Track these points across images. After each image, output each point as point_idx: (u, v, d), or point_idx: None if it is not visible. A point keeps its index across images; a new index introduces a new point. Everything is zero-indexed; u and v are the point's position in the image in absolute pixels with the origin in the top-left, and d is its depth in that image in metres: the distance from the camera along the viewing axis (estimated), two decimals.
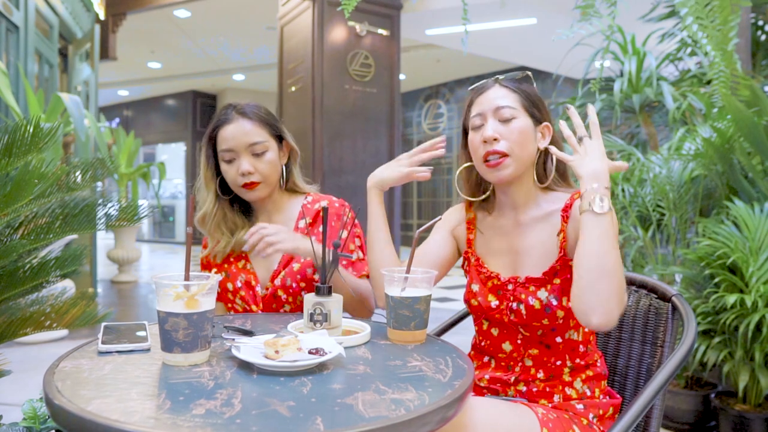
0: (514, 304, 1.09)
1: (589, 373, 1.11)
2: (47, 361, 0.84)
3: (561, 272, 1.06)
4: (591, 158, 0.97)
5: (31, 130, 1.17)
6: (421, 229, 1.13)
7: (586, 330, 1.12)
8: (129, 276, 6.47)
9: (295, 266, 1.36)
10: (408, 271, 1.04)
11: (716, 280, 2.10)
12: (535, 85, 1.16)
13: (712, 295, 2.08)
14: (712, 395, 2.26)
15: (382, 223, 1.23)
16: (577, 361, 1.10)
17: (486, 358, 1.18)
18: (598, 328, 0.90)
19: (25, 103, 3.47)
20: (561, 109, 3.66)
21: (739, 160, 2.30)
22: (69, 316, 1.41)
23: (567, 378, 1.10)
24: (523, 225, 1.14)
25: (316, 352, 0.82)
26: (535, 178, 1.14)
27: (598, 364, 1.13)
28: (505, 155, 1.07)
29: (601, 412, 1.09)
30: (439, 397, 0.70)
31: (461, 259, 1.25)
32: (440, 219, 1.25)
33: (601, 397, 1.11)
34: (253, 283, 1.38)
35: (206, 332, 0.83)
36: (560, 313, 1.05)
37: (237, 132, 1.33)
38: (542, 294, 1.06)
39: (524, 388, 1.11)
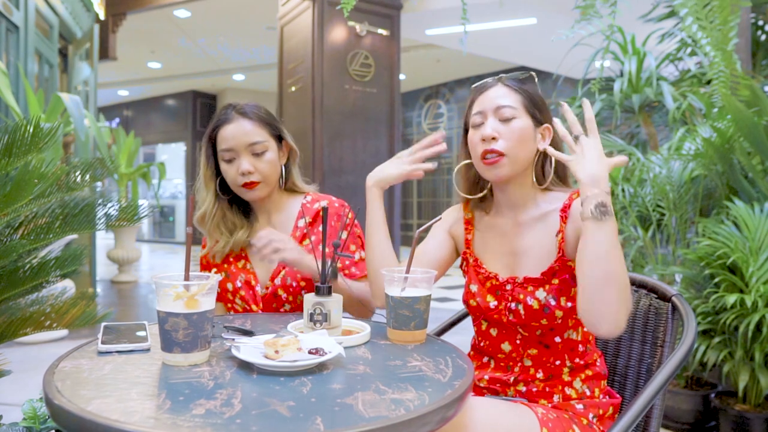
0: (513, 305, 1.09)
1: (589, 372, 1.11)
2: (47, 361, 0.84)
3: (559, 272, 1.06)
4: (589, 160, 0.94)
5: (31, 130, 1.17)
6: (421, 229, 1.13)
7: (585, 330, 1.12)
8: (129, 276, 6.47)
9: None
10: (408, 271, 1.04)
11: (716, 280, 2.10)
12: (538, 85, 1.16)
13: (712, 295, 2.08)
14: (712, 395, 2.26)
15: (381, 222, 1.23)
16: (577, 360, 1.10)
17: (485, 359, 1.18)
18: (607, 336, 0.90)
19: (25, 103, 3.47)
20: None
21: (739, 160, 2.30)
22: (69, 316, 1.41)
23: (566, 378, 1.10)
24: (522, 225, 1.14)
25: (316, 352, 0.82)
26: (534, 180, 1.14)
27: (598, 364, 1.13)
28: (501, 155, 1.07)
29: (600, 411, 1.09)
30: (439, 397, 0.70)
31: (460, 259, 1.25)
32: (440, 219, 1.25)
33: (601, 396, 1.11)
34: (253, 282, 1.38)
35: (206, 332, 0.83)
36: (559, 313, 1.05)
37: (237, 132, 1.33)
38: (540, 294, 1.06)
39: (524, 388, 1.11)
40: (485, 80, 1.16)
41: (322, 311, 0.99)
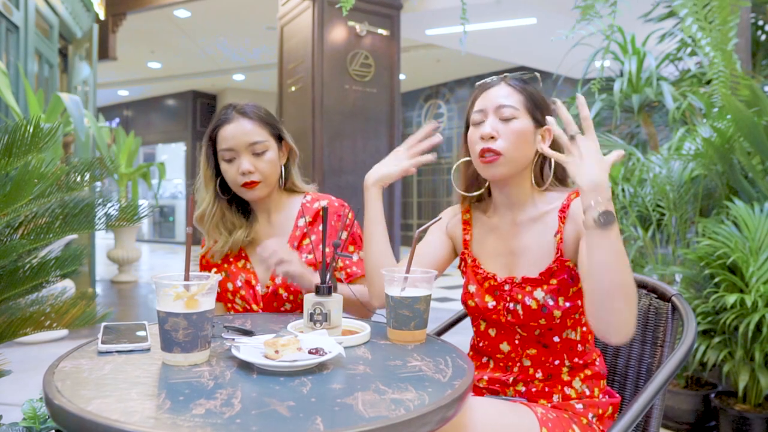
0: (511, 305, 1.09)
1: (588, 372, 1.11)
2: (47, 361, 0.84)
3: (558, 273, 1.06)
4: (588, 164, 0.90)
5: (31, 130, 1.17)
6: (420, 229, 1.13)
7: (584, 329, 1.12)
8: (129, 276, 6.47)
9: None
10: (408, 270, 1.04)
11: (716, 280, 2.10)
12: (542, 86, 1.16)
13: (712, 295, 2.08)
14: (712, 395, 2.26)
15: (381, 221, 1.23)
16: (576, 360, 1.10)
17: (484, 359, 1.18)
18: (618, 343, 0.91)
19: (25, 103, 3.47)
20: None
21: (739, 160, 2.30)
22: (69, 316, 1.41)
23: (566, 377, 1.10)
24: (520, 225, 1.13)
25: (315, 352, 0.82)
26: (533, 181, 1.13)
27: (597, 363, 1.13)
28: (499, 154, 1.07)
29: (600, 411, 1.09)
30: (439, 397, 0.70)
31: (458, 259, 1.25)
32: (440, 219, 1.25)
33: (601, 396, 1.11)
34: (253, 282, 1.38)
35: (206, 332, 0.84)
36: (557, 313, 1.05)
37: (237, 131, 1.33)
38: (539, 294, 1.06)
39: (523, 389, 1.11)
40: (489, 78, 1.15)
41: (322, 311, 0.99)
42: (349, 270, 1.40)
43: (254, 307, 1.37)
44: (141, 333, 0.97)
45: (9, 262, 1.30)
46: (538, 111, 1.11)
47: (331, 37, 4.68)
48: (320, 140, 4.62)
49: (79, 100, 3.50)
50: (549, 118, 0.97)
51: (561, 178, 1.16)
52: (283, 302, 1.37)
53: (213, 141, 1.38)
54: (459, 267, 1.24)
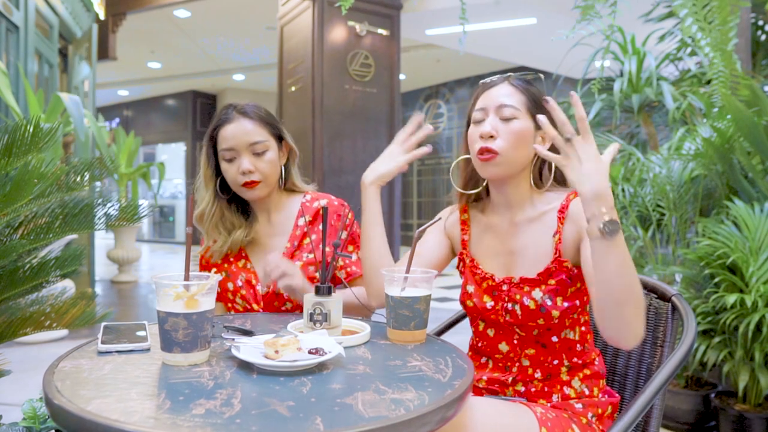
0: (509, 305, 1.09)
1: (587, 372, 1.11)
2: (47, 361, 0.84)
3: (556, 273, 1.06)
4: (588, 172, 0.86)
5: (31, 130, 1.17)
6: (420, 229, 1.13)
7: (583, 329, 1.12)
8: (129, 276, 6.47)
9: (298, 264, 1.36)
10: (408, 270, 1.04)
11: (716, 280, 2.10)
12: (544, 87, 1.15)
13: (712, 295, 2.08)
14: (712, 395, 2.26)
15: (379, 221, 1.23)
16: (575, 360, 1.10)
17: (483, 359, 1.18)
18: (628, 348, 0.91)
19: (25, 103, 3.47)
20: (562, 108, 3.65)
21: (739, 160, 2.30)
22: (69, 316, 1.41)
23: (565, 377, 1.10)
24: (518, 225, 1.13)
25: (315, 351, 0.82)
26: (532, 183, 1.13)
27: (596, 363, 1.13)
28: (496, 153, 1.07)
29: (600, 411, 1.09)
30: (439, 397, 0.70)
31: (456, 260, 1.25)
32: (440, 219, 1.25)
33: (600, 396, 1.11)
34: (254, 281, 1.38)
35: (206, 332, 0.84)
36: (555, 314, 1.05)
37: (238, 131, 1.34)
38: (537, 294, 1.06)
39: (522, 389, 1.11)
40: (494, 77, 1.15)
41: (322, 311, 0.99)
42: (348, 269, 1.41)
43: (255, 306, 1.37)
44: (141, 333, 0.97)
45: (9, 262, 1.30)
46: (540, 112, 1.10)
47: (331, 37, 4.68)
48: (320, 140, 4.62)
49: (79, 100, 3.50)
50: (541, 118, 0.90)
51: (561, 180, 1.15)
52: (284, 302, 1.37)
53: (213, 141, 1.39)
54: (457, 267, 1.24)
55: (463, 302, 1.18)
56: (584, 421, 1.06)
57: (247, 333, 0.99)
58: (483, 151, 1.07)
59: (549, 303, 1.05)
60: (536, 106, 1.10)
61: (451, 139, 10.38)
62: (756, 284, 1.98)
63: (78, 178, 1.31)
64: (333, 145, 4.69)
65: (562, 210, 1.08)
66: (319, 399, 0.69)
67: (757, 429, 2.06)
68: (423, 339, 1.01)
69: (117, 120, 12.34)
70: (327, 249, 1.26)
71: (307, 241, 1.39)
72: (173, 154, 12.59)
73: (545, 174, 1.15)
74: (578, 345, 1.11)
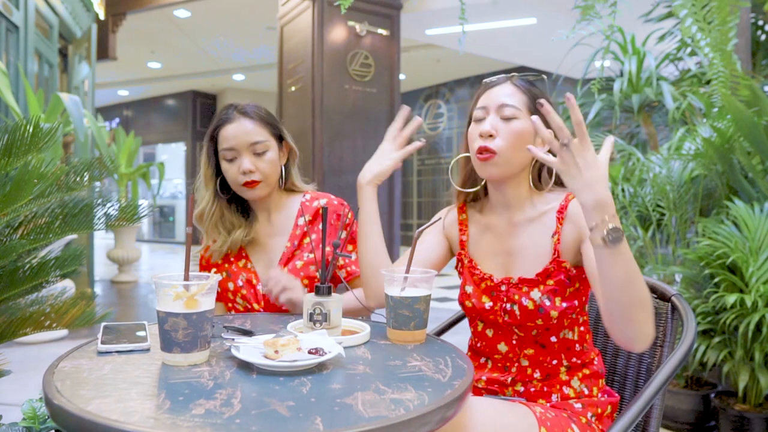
0: (508, 305, 1.09)
1: (586, 371, 1.11)
2: (47, 361, 0.84)
3: (554, 274, 1.06)
4: (587, 180, 0.84)
5: (31, 130, 1.17)
6: (420, 229, 1.13)
7: (582, 329, 1.12)
8: (129, 276, 6.47)
9: (298, 263, 1.37)
10: (407, 270, 1.04)
11: (716, 280, 2.10)
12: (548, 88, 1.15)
13: (712, 295, 2.08)
14: (712, 395, 2.26)
15: (376, 220, 1.23)
16: (574, 360, 1.10)
17: (482, 359, 1.18)
18: (641, 350, 0.90)
19: (25, 103, 3.47)
20: (561, 108, 3.66)
21: (739, 160, 2.30)
22: (69, 316, 1.41)
23: (564, 377, 1.10)
24: (517, 225, 1.13)
25: (315, 352, 0.82)
26: (531, 184, 1.13)
27: (595, 363, 1.13)
28: (494, 153, 1.07)
29: (599, 410, 1.09)
30: (439, 397, 0.70)
31: (455, 260, 1.25)
32: (440, 219, 1.24)
33: (599, 395, 1.11)
34: (254, 281, 1.38)
35: (206, 332, 0.84)
36: (554, 314, 1.05)
37: (238, 131, 1.34)
38: (535, 294, 1.06)
39: (522, 389, 1.11)
40: (497, 77, 1.15)
41: (321, 311, 0.99)
42: (348, 269, 1.41)
43: (255, 306, 1.37)
44: (141, 333, 0.97)
45: (9, 262, 1.30)
46: (541, 113, 1.10)
47: (331, 37, 4.68)
48: (320, 140, 4.62)
49: (79, 100, 3.50)
50: (534, 119, 0.87)
51: (560, 182, 1.14)
52: None
53: (214, 140, 1.39)
54: (456, 268, 1.23)
55: (461, 303, 1.18)
56: (584, 420, 1.06)
57: (247, 333, 0.99)
58: (482, 150, 1.07)
59: (548, 303, 1.05)
60: (538, 108, 1.09)
61: (451, 139, 10.38)
62: (756, 284, 1.98)
63: (78, 178, 1.31)
64: (333, 145, 4.69)
65: (561, 210, 1.08)
66: (318, 399, 0.69)
67: (757, 429, 2.06)
68: (423, 339, 1.01)
69: (117, 120, 12.34)
70: (327, 249, 1.27)
71: (307, 240, 1.39)
72: (173, 154, 12.59)
73: (544, 176, 1.14)
74: (577, 345, 1.11)
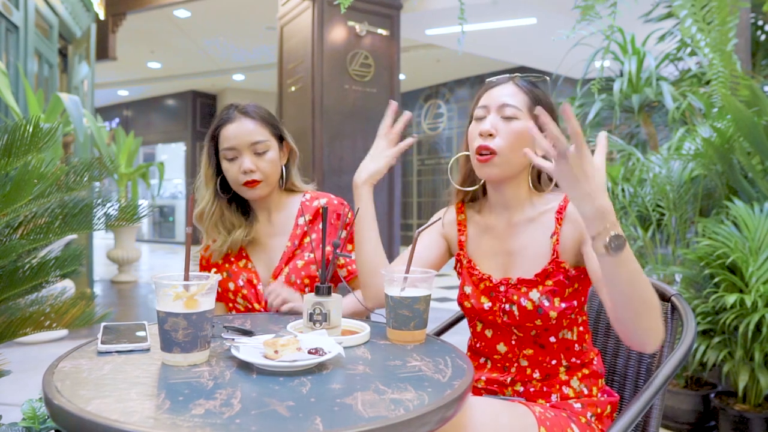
0: (507, 306, 1.09)
1: (586, 371, 1.11)
2: (47, 361, 0.84)
3: (553, 274, 1.06)
4: (586, 190, 0.82)
5: (31, 130, 1.17)
6: (420, 229, 1.12)
7: (581, 329, 1.12)
8: (129, 276, 6.47)
9: (299, 263, 1.37)
10: (407, 271, 1.04)
11: (716, 280, 2.10)
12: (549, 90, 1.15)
13: (712, 295, 2.08)
14: (712, 395, 2.27)
15: (373, 220, 1.23)
16: (573, 360, 1.10)
17: (482, 360, 1.18)
18: (653, 351, 0.91)
19: (24, 103, 3.47)
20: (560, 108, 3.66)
21: (738, 160, 2.30)
22: (68, 316, 1.41)
23: (563, 377, 1.10)
24: (515, 225, 1.13)
25: (315, 352, 0.82)
26: (530, 185, 1.13)
27: (595, 363, 1.13)
28: (494, 153, 1.07)
29: (599, 410, 1.09)
30: (439, 397, 0.70)
31: (454, 260, 1.25)
32: (440, 219, 1.24)
33: (599, 395, 1.11)
34: (255, 281, 1.39)
35: (206, 332, 0.84)
36: (553, 314, 1.05)
37: (240, 131, 1.34)
38: (534, 295, 1.06)
39: (521, 389, 1.11)
40: (500, 76, 1.15)
41: (321, 311, 0.99)
42: (349, 268, 1.41)
43: (256, 306, 1.38)
44: (141, 333, 0.97)
45: (9, 262, 1.30)
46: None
47: (330, 37, 4.68)
48: (320, 140, 4.62)
49: (79, 101, 3.50)
50: (531, 126, 0.86)
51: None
52: None
53: (215, 140, 1.39)
54: (455, 268, 1.23)
55: (460, 303, 1.18)
56: (583, 420, 1.06)
57: (247, 333, 0.99)
58: (481, 149, 1.07)
59: (546, 304, 1.05)
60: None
61: (451, 139, 10.38)
62: (756, 284, 1.98)
63: (78, 178, 1.31)
64: (333, 145, 4.69)
65: (560, 211, 1.08)
66: (318, 399, 0.69)
67: (756, 429, 2.06)
68: (423, 339, 1.01)
69: (117, 120, 12.34)
70: (327, 248, 1.27)
71: (307, 240, 1.39)
72: (173, 154, 12.59)
73: (544, 178, 1.14)
74: (576, 345, 1.11)
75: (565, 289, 1.06)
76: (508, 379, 1.12)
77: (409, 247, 1.11)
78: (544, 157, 0.88)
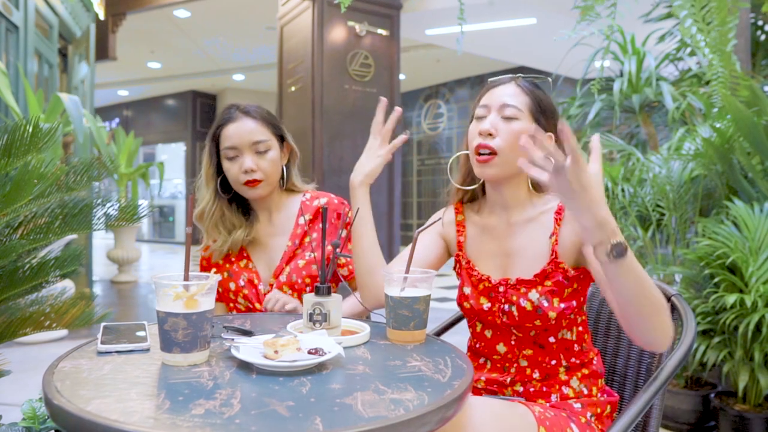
0: (506, 306, 1.09)
1: (585, 371, 1.11)
2: (47, 361, 0.84)
3: (552, 274, 1.06)
4: (584, 203, 0.81)
5: (31, 130, 1.17)
6: (420, 229, 1.12)
7: (580, 329, 1.12)
8: (129, 276, 6.47)
9: (300, 263, 1.37)
10: (407, 271, 1.04)
11: (716, 280, 2.10)
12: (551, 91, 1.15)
13: (712, 295, 2.08)
14: (712, 395, 2.27)
15: (370, 221, 1.23)
16: (572, 360, 1.10)
17: (482, 360, 1.18)
18: (664, 349, 0.92)
19: (24, 103, 3.47)
20: (561, 108, 3.66)
21: (738, 160, 2.30)
22: (68, 316, 1.41)
23: (563, 377, 1.10)
24: (514, 226, 1.13)
25: (315, 352, 0.82)
26: (530, 186, 1.13)
27: (594, 362, 1.13)
28: (493, 153, 1.07)
29: (599, 410, 1.09)
30: (439, 397, 0.70)
31: (453, 261, 1.25)
32: (440, 219, 1.24)
33: (599, 395, 1.11)
34: (256, 281, 1.39)
35: (205, 332, 0.84)
36: (552, 315, 1.05)
37: (241, 130, 1.34)
38: (533, 295, 1.06)
39: (521, 389, 1.11)
40: (502, 77, 1.15)
41: (321, 311, 0.99)
42: (350, 267, 1.41)
43: (257, 306, 1.38)
44: (140, 333, 0.97)
45: (9, 262, 1.30)
46: (543, 116, 1.10)
47: (330, 37, 4.68)
48: (320, 140, 4.63)
49: (78, 101, 3.50)
50: (524, 140, 0.83)
51: None
52: None
53: (216, 140, 1.39)
54: (454, 268, 1.23)
55: (460, 304, 1.18)
56: (583, 420, 1.06)
57: (247, 333, 0.99)
58: (480, 147, 1.07)
59: (546, 304, 1.05)
60: (540, 110, 1.09)
61: (451, 139, 10.38)
62: (756, 284, 1.98)
63: (77, 178, 1.31)
64: (333, 145, 4.69)
65: (559, 211, 1.08)
66: (318, 399, 0.69)
67: (756, 429, 2.06)
68: (422, 339, 1.01)
69: (117, 120, 12.34)
70: (327, 248, 1.27)
71: (308, 239, 1.39)
72: (173, 154, 12.59)
73: None
74: (575, 345, 1.11)
75: (564, 289, 1.06)
76: (508, 380, 1.12)
77: (408, 247, 1.11)
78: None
